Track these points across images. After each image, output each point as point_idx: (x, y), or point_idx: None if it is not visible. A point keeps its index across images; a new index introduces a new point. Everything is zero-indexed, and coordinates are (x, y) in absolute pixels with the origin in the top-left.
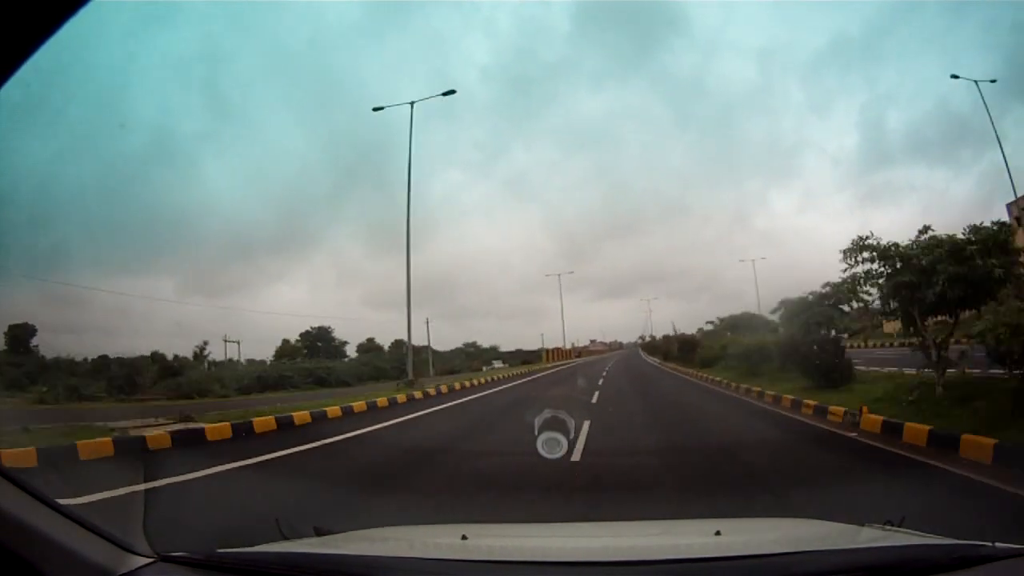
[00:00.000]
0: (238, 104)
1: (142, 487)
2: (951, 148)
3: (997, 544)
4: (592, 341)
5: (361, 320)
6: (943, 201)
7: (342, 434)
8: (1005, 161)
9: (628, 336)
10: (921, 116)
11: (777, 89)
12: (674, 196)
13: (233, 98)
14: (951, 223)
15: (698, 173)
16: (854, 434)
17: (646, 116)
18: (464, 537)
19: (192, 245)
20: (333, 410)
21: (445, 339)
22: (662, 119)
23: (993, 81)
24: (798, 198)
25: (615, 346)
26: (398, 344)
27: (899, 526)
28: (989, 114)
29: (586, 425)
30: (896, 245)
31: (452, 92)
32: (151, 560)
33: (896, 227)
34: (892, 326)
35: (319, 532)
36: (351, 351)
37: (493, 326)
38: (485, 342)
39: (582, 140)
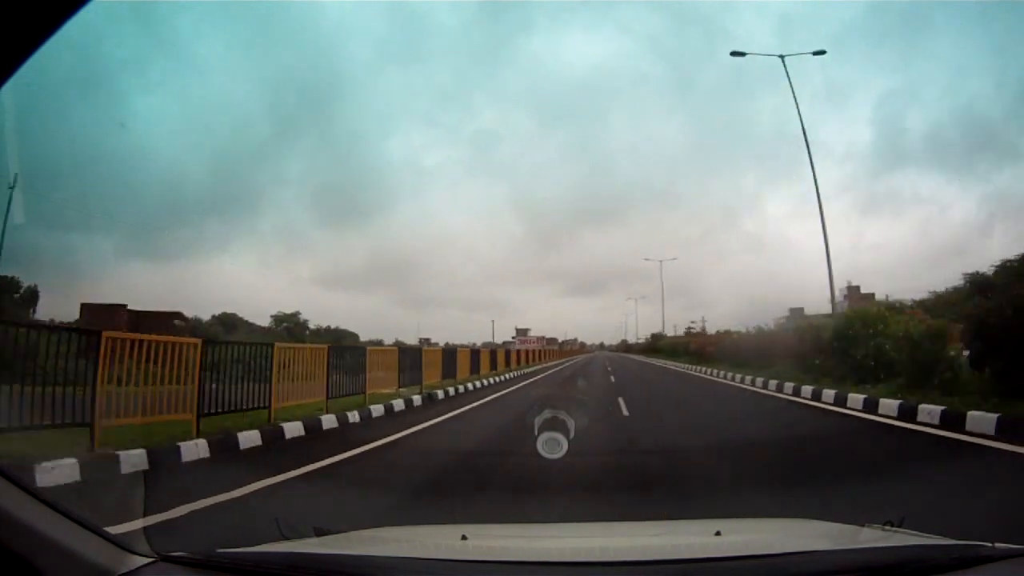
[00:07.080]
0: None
1: None
2: (967, 159)
3: (997, 544)
4: (519, 332)
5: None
6: (942, 219)
7: None
8: None
9: (595, 338)
10: (942, 118)
11: (794, 67)
12: (660, 184)
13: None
14: (949, 245)
15: (689, 157)
16: None
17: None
18: (464, 537)
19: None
20: None
21: (405, 329)
22: (660, 81)
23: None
24: (795, 199)
25: (572, 345)
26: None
27: (899, 526)
28: None
29: None
30: None
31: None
32: (151, 560)
33: (892, 243)
34: None
35: (319, 532)
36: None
37: (455, 316)
38: (436, 335)
39: (561, 104)
